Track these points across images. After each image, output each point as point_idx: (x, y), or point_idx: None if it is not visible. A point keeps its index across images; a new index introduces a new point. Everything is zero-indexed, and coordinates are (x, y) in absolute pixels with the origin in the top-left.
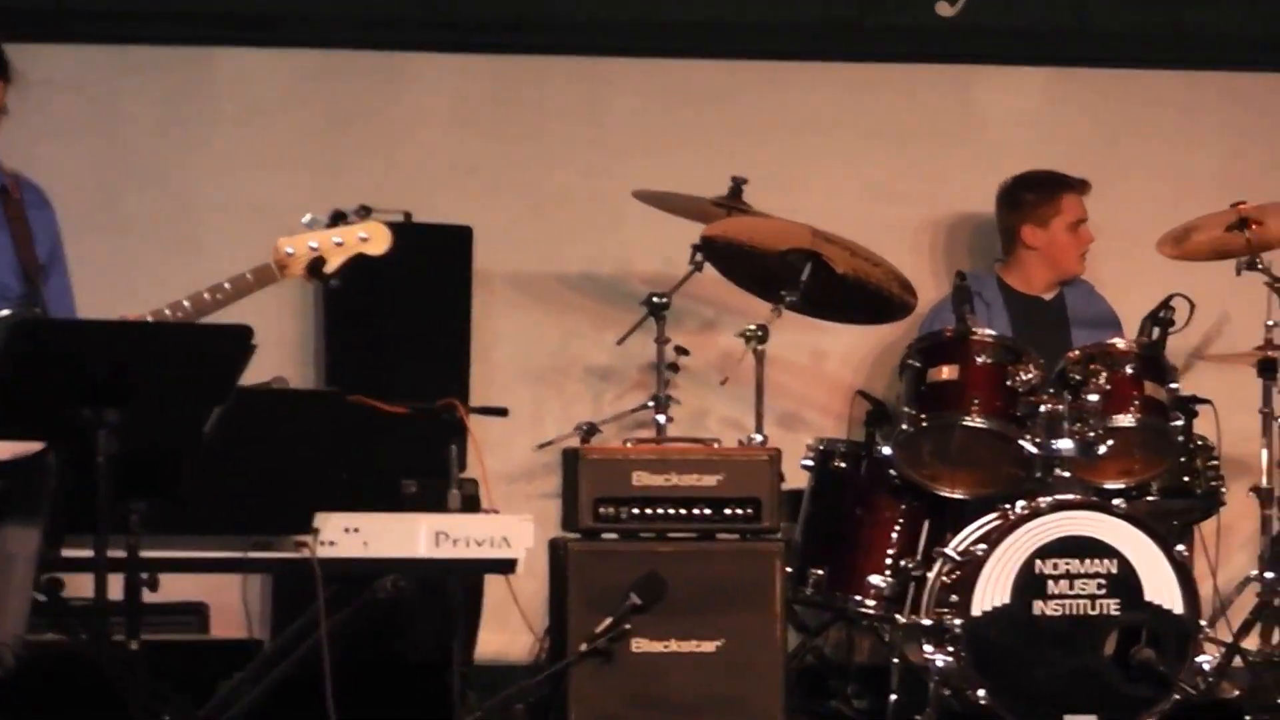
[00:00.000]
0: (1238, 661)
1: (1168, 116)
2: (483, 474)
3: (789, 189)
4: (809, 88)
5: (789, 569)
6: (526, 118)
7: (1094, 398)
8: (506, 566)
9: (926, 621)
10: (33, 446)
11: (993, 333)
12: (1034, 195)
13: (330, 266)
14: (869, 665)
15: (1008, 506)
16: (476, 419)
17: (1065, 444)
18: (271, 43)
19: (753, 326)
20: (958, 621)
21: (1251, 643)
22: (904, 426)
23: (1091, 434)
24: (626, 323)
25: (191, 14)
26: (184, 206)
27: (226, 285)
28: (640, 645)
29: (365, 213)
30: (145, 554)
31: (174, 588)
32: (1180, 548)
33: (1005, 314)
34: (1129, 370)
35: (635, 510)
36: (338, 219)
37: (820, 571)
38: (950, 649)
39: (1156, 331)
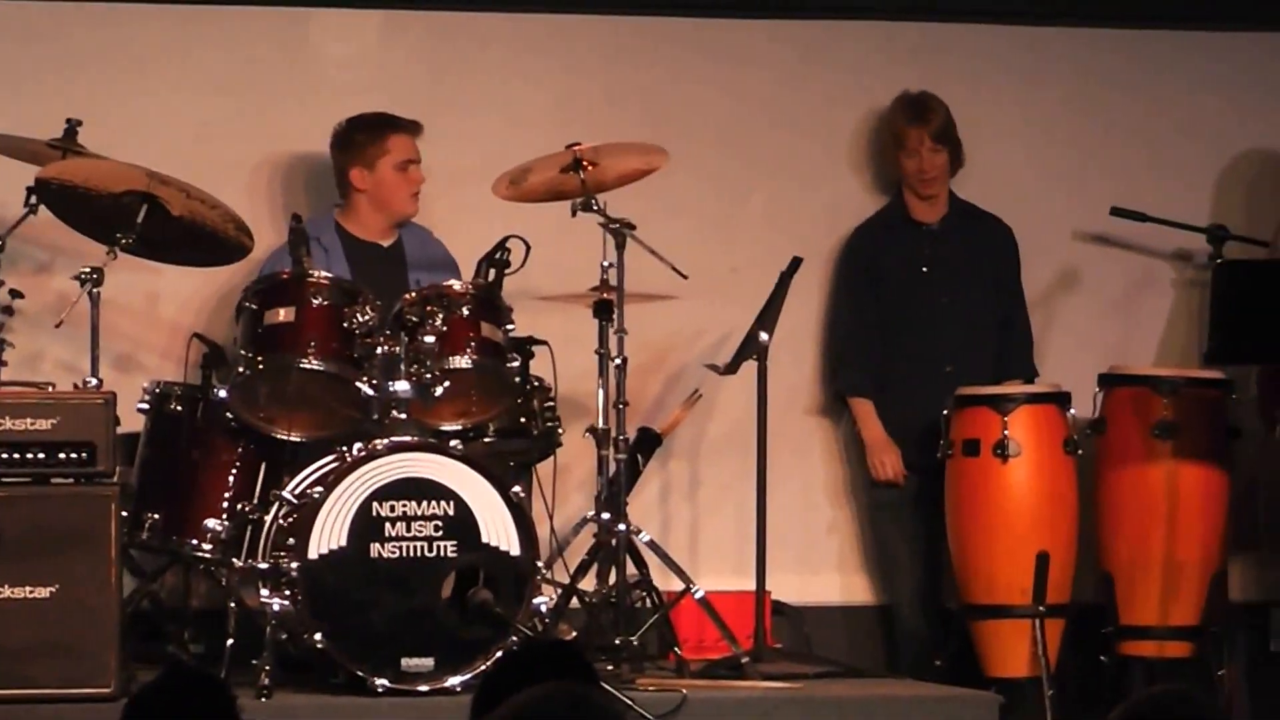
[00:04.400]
0: (575, 602)
1: (500, 57)
2: None
3: (125, 131)
4: (141, 27)
5: (125, 513)
6: None
7: (430, 339)
8: None
9: (263, 565)
10: None
11: (329, 274)
12: (360, 137)
13: None
14: (206, 609)
15: (345, 449)
16: None
17: (402, 386)
18: None
19: (88, 269)
20: (294, 565)
21: (588, 583)
22: (240, 369)
23: (428, 375)
24: None
25: None
26: None
27: None
28: None
29: None
30: None
31: None
32: (517, 489)
33: (344, 260)
34: (465, 312)
35: None
36: None
37: (157, 516)
38: (287, 592)
39: (492, 273)
